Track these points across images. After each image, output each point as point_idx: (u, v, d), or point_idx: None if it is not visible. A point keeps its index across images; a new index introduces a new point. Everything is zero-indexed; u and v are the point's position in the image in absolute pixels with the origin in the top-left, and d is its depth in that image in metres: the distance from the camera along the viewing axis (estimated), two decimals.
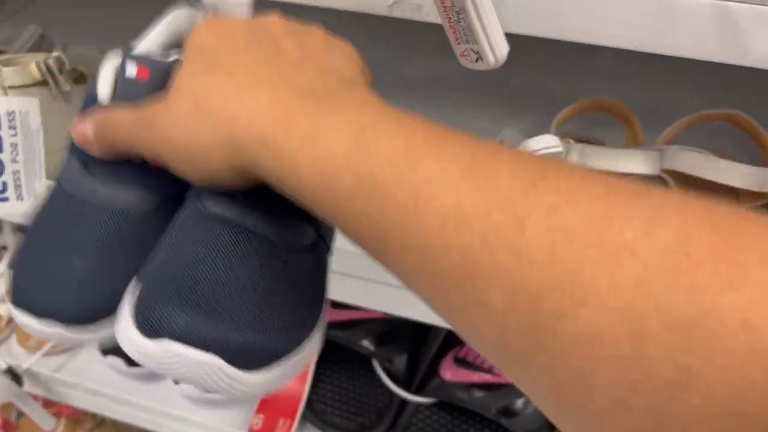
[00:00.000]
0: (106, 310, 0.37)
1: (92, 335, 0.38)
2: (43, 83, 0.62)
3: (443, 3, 0.35)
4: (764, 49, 0.37)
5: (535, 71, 0.59)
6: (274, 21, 0.35)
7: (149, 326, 0.31)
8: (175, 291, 0.32)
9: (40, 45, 0.73)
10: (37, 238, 0.39)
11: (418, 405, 0.76)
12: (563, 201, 0.23)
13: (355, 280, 0.57)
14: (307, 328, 0.35)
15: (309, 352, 0.35)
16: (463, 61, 0.38)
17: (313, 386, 0.79)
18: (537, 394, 0.25)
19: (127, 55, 0.39)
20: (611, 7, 0.37)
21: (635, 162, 0.54)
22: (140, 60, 0.39)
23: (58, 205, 0.40)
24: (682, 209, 0.22)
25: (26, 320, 0.37)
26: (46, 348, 0.83)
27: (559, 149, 0.47)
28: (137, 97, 0.37)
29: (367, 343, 0.77)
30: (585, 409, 0.23)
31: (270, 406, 0.78)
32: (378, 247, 0.28)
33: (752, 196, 0.54)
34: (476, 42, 0.37)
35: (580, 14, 0.37)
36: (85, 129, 0.38)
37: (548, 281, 0.22)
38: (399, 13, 0.39)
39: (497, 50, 0.36)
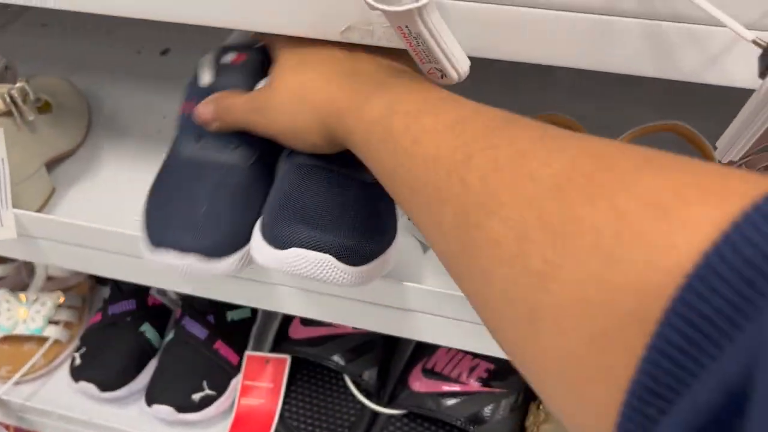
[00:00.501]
0: (232, 244, 0.49)
1: (222, 265, 0.49)
2: (7, 113, 0.63)
3: (401, 30, 0.38)
4: (694, 64, 0.40)
5: (490, 88, 0.62)
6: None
7: (279, 241, 0.45)
8: (293, 215, 0.45)
9: (4, 76, 0.73)
10: (163, 196, 0.51)
11: (390, 417, 0.77)
12: (505, 143, 0.31)
13: (327, 297, 0.59)
14: (388, 235, 0.49)
15: (393, 252, 0.49)
16: (431, 78, 0.42)
17: (285, 403, 0.80)
18: (466, 294, 0.33)
19: (221, 47, 0.55)
20: (550, 28, 0.39)
21: None
22: (234, 48, 0.55)
23: (176, 169, 0.52)
24: (579, 147, 0.29)
25: (168, 257, 0.48)
26: (17, 376, 0.83)
27: None
28: (235, 77, 0.52)
29: (337, 359, 0.78)
30: (487, 306, 0.30)
31: (243, 424, 0.79)
32: (389, 183, 0.38)
33: None
34: (437, 61, 0.40)
35: (521, 35, 0.40)
36: (207, 110, 0.50)
37: (477, 200, 0.30)
38: (351, 38, 0.41)
39: (458, 67, 0.41)
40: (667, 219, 0.23)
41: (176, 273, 0.49)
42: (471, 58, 0.41)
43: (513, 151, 0.30)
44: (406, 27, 0.38)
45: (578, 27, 0.39)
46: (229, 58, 0.54)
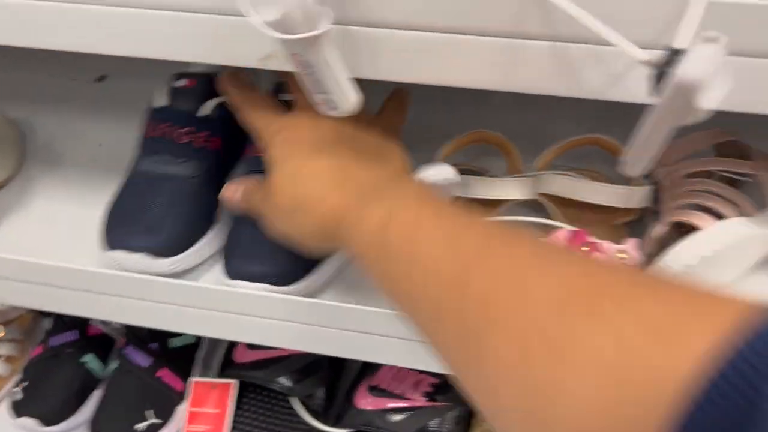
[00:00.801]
0: (178, 245, 0.58)
1: (171, 266, 0.58)
2: None
3: (296, 57, 0.38)
4: (599, 83, 0.41)
5: (424, 106, 0.63)
6: (346, 122, 0.47)
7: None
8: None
9: None
10: (119, 205, 0.59)
11: None
12: (503, 259, 0.33)
13: (270, 321, 0.59)
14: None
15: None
16: (321, 109, 0.42)
17: (234, 428, 0.79)
18: (483, 408, 0.33)
19: (176, 74, 0.63)
20: (463, 52, 0.41)
21: (511, 189, 0.58)
22: (186, 75, 0.63)
23: (132, 183, 0.60)
24: (574, 266, 0.31)
25: (121, 256, 0.57)
26: None
27: (456, 179, 0.50)
28: (186, 100, 0.62)
29: (284, 380, 0.78)
30: (497, 415, 0.32)
31: None
32: (390, 293, 0.39)
33: (623, 212, 0.59)
34: (328, 92, 0.41)
35: (435, 59, 0.41)
36: (236, 191, 0.53)
37: (478, 315, 0.31)
38: (270, 65, 0.41)
39: (348, 98, 0.41)
40: (664, 341, 0.25)
41: (125, 281, 0.57)
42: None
43: (511, 268, 0.32)
44: (301, 55, 0.38)
45: (489, 49, 0.40)
46: (182, 83, 0.62)
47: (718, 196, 0.54)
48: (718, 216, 0.53)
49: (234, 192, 0.53)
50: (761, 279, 0.54)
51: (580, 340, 0.27)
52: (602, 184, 0.57)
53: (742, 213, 0.53)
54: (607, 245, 0.52)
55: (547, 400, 0.27)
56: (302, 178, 0.45)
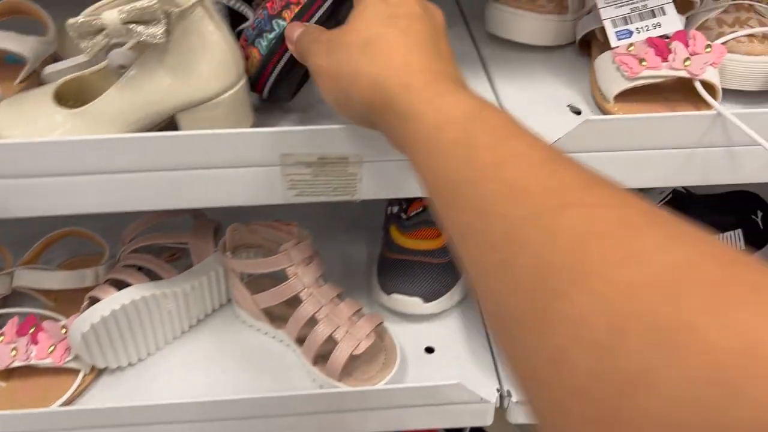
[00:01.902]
0: None
1: None
2: None
3: None
4: None
5: None
6: (440, 14, 0.46)
7: None
8: None
9: None
10: None
11: None
12: (612, 204, 0.27)
13: None
14: None
15: None
16: None
17: None
18: (520, 369, 0.27)
19: None
20: None
21: None
22: None
23: None
24: (698, 242, 0.25)
25: None
26: None
27: None
28: None
29: None
30: (552, 389, 0.25)
31: None
32: (446, 198, 0.34)
33: None
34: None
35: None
36: (295, 31, 0.50)
37: (566, 263, 0.25)
38: None
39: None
40: None
41: None
42: None
43: (621, 218, 0.26)
44: None
45: None
46: None
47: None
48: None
49: (295, 29, 0.50)
50: None
51: (694, 334, 0.21)
52: None
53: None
54: None
55: (628, 392, 0.22)
56: (395, 20, 0.42)
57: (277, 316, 0.79)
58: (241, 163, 0.58)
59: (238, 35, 0.59)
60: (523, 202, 0.28)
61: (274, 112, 0.64)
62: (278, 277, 0.74)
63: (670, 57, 0.60)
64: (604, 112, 0.63)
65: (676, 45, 0.60)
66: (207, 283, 0.80)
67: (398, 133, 0.39)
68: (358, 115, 0.44)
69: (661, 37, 0.61)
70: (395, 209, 0.85)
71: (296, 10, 0.55)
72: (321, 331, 0.71)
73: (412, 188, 0.61)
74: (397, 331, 0.81)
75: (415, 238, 0.83)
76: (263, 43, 0.57)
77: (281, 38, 0.55)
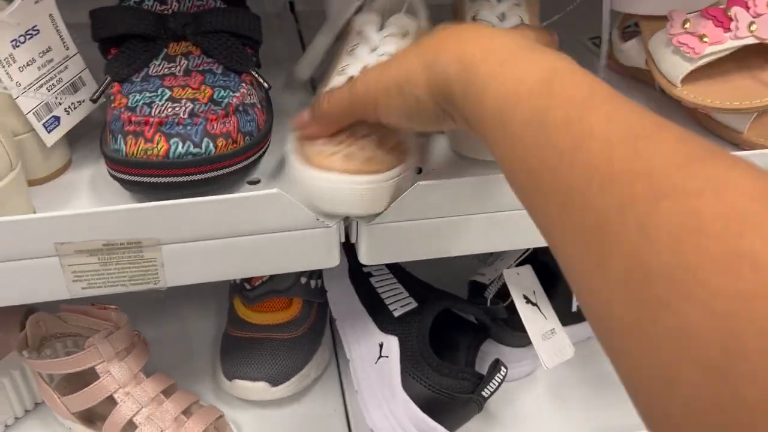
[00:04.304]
0: None
1: None
2: None
3: None
4: None
5: None
6: None
7: None
8: None
9: None
10: None
11: None
12: (710, 189, 0.22)
13: None
14: None
15: None
16: None
17: None
18: (626, 379, 0.24)
19: None
20: None
21: None
22: None
23: None
24: None
25: None
26: None
27: None
28: None
29: None
30: (664, 409, 0.22)
31: None
32: (526, 185, 0.30)
33: None
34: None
35: None
36: (303, 117, 0.47)
37: (665, 266, 0.22)
38: None
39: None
40: None
41: None
42: None
43: (724, 208, 0.22)
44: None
45: None
46: None
47: None
48: None
49: (302, 117, 0.48)
50: None
51: None
52: None
53: None
54: None
55: (751, 422, 0.19)
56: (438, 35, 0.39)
57: (98, 416, 0.67)
58: (13, 257, 0.48)
59: None
60: (609, 192, 0.25)
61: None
62: (95, 372, 0.63)
63: (732, 25, 0.54)
64: (675, 98, 0.58)
65: (736, 10, 0.55)
66: (10, 384, 0.67)
67: (464, 115, 0.36)
68: (433, 115, 0.40)
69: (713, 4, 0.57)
70: (237, 279, 0.76)
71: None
72: None
73: (225, 270, 0.52)
74: (243, 419, 0.71)
75: (261, 311, 0.74)
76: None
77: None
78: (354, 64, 0.54)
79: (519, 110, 0.31)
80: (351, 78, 0.50)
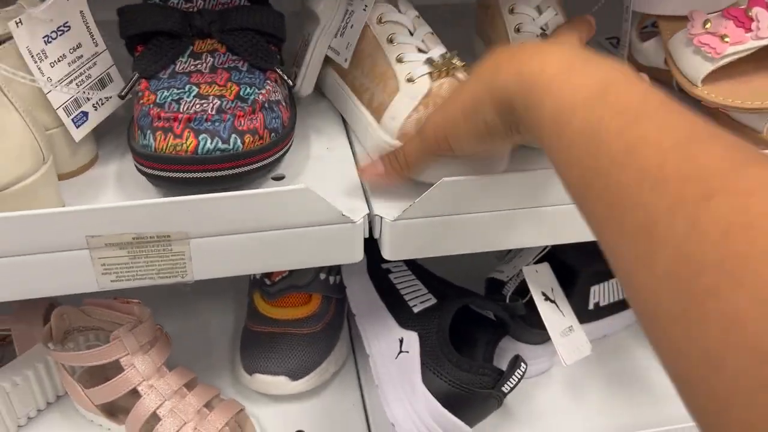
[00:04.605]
0: None
1: None
2: None
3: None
4: None
5: None
6: None
7: None
8: None
9: None
10: None
11: None
12: (762, 190, 0.24)
13: None
14: None
15: None
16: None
17: None
18: (672, 368, 0.25)
19: None
20: None
21: None
22: None
23: None
24: None
25: None
26: None
27: None
28: None
29: None
30: (708, 393, 0.23)
31: None
32: (580, 191, 0.32)
33: None
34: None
35: None
36: (377, 168, 0.52)
37: (713, 258, 0.23)
38: None
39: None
40: None
41: None
42: None
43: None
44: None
45: None
46: None
47: None
48: None
49: (376, 169, 0.52)
50: None
51: None
52: None
53: None
54: None
55: None
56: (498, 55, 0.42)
57: (121, 409, 0.68)
58: (44, 249, 0.48)
59: None
60: (659, 193, 0.26)
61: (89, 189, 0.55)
62: (118, 365, 0.63)
63: (753, 26, 0.55)
64: (695, 97, 0.58)
65: (758, 11, 0.55)
66: (35, 376, 0.68)
67: (526, 125, 0.38)
68: (502, 132, 0.42)
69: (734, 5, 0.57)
70: (258, 274, 0.76)
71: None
72: (163, 431, 0.60)
73: (250, 265, 0.53)
74: (264, 413, 0.72)
75: (281, 306, 0.75)
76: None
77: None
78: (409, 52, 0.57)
79: (574, 119, 0.32)
80: (430, 59, 0.55)
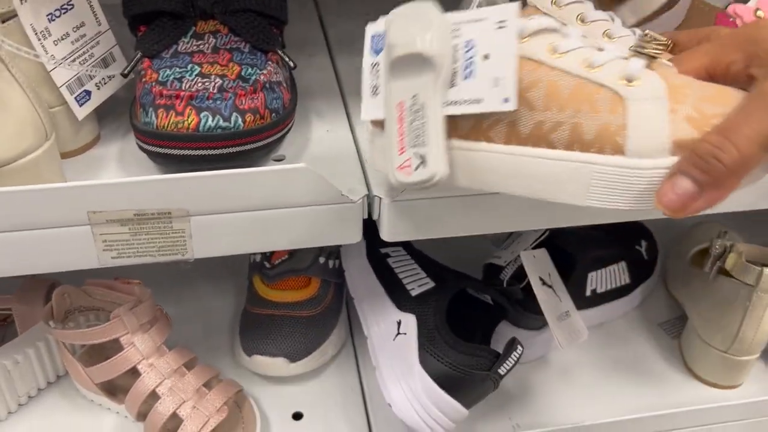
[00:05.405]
0: None
1: None
2: None
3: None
4: None
5: None
6: None
7: None
8: None
9: None
10: None
11: None
12: None
13: None
14: None
15: None
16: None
17: None
18: None
19: None
20: None
21: None
22: None
23: None
24: None
25: None
26: None
27: None
28: None
29: None
30: None
31: None
32: None
33: None
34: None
35: None
36: (683, 186, 0.37)
37: None
38: None
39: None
40: None
41: None
42: None
43: None
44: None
45: None
46: None
47: None
48: None
49: (731, 147, 0.35)
50: None
51: None
52: None
53: None
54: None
55: None
56: None
57: (120, 389, 0.69)
58: (46, 224, 0.49)
59: None
60: None
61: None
62: (119, 345, 0.64)
63: None
64: None
65: None
66: (35, 355, 0.69)
67: None
68: None
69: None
70: (258, 257, 0.77)
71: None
72: (162, 409, 0.61)
73: (250, 243, 0.53)
74: (262, 394, 0.73)
75: (281, 289, 0.75)
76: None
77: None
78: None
79: None
80: (639, 46, 0.42)
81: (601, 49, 0.42)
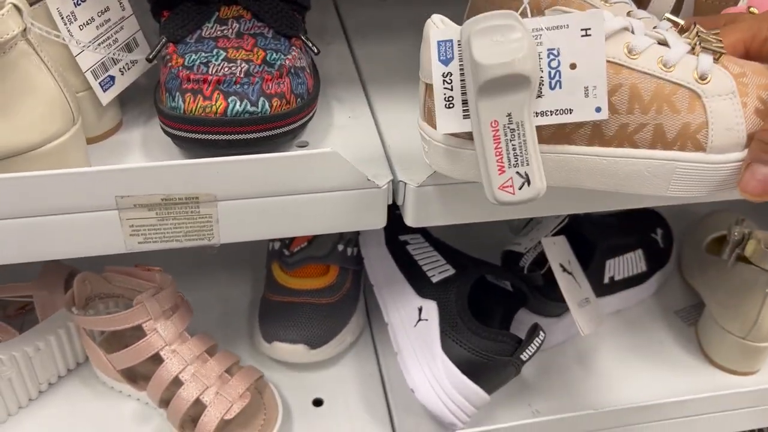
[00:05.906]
0: None
1: None
2: None
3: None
4: None
5: None
6: None
7: None
8: None
9: None
10: None
11: None
12: None
13: None
14: None
15: None
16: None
17: None
18: None
19: None
20: None
21: None
22: None
23: None
24: None
25: None
26: None
27: None
28: None
29: None
30: None
31: None
32: None
33: None
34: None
35: None
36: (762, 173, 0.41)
37: None
38: None
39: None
40: None
41: None
42: None
43: None
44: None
45: None
46: None
47: None
48: None
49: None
50: None
51: None
52: None
53: None
54: None
55: None
56: None
57: (140, 376, 0.69)
58: (73, 209, 0.49)
59: None
60: None
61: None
62: (140, 332, 0.64)
63: None
64: None
65: None
66: (56, 342, 0.69)
67: None
68: None
69: None
70: (277, 245, 0.77)
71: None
72: (185, 395, 0.61)
73: (277, 228, 0.53)
74: (282, 381, 0.73)
75: (300, 277, 0.75)
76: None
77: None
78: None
79: None
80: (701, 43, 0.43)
81: (663, 43, 0.43)
